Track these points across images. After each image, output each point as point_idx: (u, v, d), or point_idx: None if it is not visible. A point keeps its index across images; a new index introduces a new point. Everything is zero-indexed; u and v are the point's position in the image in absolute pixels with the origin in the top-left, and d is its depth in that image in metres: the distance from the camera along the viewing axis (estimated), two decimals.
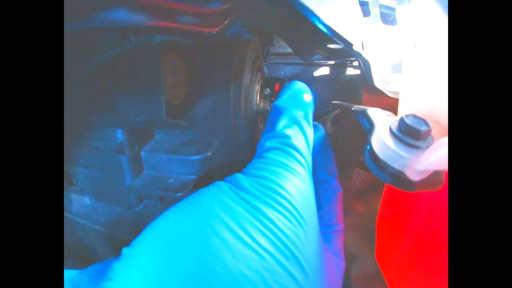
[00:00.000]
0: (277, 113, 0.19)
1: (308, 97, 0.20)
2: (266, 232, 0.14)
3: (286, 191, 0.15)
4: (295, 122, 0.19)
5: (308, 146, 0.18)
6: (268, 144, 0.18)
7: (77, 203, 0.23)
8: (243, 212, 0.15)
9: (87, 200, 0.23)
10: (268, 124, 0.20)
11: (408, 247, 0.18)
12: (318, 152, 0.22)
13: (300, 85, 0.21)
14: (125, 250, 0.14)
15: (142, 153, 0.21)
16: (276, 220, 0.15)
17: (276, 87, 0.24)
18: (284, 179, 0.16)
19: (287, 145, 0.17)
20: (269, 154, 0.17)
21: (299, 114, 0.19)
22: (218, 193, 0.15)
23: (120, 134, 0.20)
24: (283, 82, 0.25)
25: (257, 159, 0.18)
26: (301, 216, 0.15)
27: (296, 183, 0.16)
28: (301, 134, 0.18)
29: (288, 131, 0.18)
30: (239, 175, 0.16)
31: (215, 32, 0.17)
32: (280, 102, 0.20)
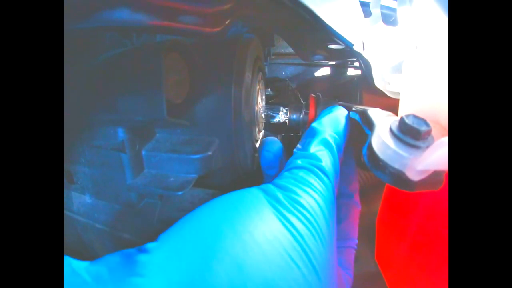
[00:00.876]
0: (313, 134, 0.21)
1: (346, 124, 0.22)
2: (291, 238, 0.15)
3: (310, 206, 0.17)
4: (328, 147, 0.20)
5: (336, 171, 0.20)
6: (299, 162, 0.19)
7: (78, 201, 0.23)
8: (274, 218, 0.15)
9: (87, 199, 0.23)
10: (302, 142, 0.21)
11: (408, 248, 0.18)
12: (343, 163, 0.22)
13: (340, 111, 0.22)
14: (152, 244, 0.14)
15: (143, 152, 0.21)
16: (300, 229, 0.15)
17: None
18: (309, 196, 0.17)
19: (316, 167, 0.19)
20: (299, 172, 0.18)
21: (333, 139, 0.20)
22: (255, 197, 0.17)
23: (121, 133, 0.20)
24: (286, 84, 0.25)
25: (286, 173, 0.19)
26: (321, 230, 0.16)
27: (319, 201, 0.17)
28: (332, 160, 0.20)
29: (320, 154, 0.19)
30: (271, 186, 0.18)
31: (216, 32, 0.17)
32: (318, 124, 0.21)
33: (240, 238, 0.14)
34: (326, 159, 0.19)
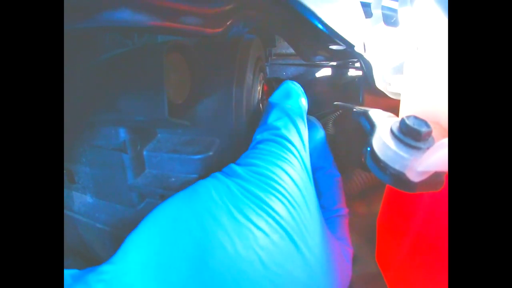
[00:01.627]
0: (269, 108, 0.21)
1: (300, 93, 0.22)
2: (261, 213, 0.15)
3: (278, 177, 0.16)
4: (286, 114, 0.20)
5: (301, 136, 0.19)
6: (259, 137, 0.19)
7: (79, 201, 0.23)
8: (239, 195, 0.15)
9: (88, 198, 0.23)
10: (261, 119, 0.20)
11: (409, 249, 0.18)
12: (311, 137, 0.22)
13: (293, 84, 0.22)
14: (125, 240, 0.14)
15: (144, 152, 0.21)
16: (270, 203, 0.15)
17: (265, 87, 0.25)
18: (275, 166, 0.16)
19: (278, 136, 0.18)
20: (261, 145, 0.18)
21: (290, 107, 0.20)
22: (214, 181, 0.16)
23: (122, 133, 0.20)
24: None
25: (249, 150, 0.18)
26: (295, 201, 0.16)
27: (288, 171, 0.17)
28: (291, 125, 0.19)
29: (278, 123, 0.19)
30: (233, 165, 0.17)
31: (217, 32, 0.17)
32: (272, 98, 0.21)
33: (202, 221, 0.14)
34: (286, 126, 0.19)
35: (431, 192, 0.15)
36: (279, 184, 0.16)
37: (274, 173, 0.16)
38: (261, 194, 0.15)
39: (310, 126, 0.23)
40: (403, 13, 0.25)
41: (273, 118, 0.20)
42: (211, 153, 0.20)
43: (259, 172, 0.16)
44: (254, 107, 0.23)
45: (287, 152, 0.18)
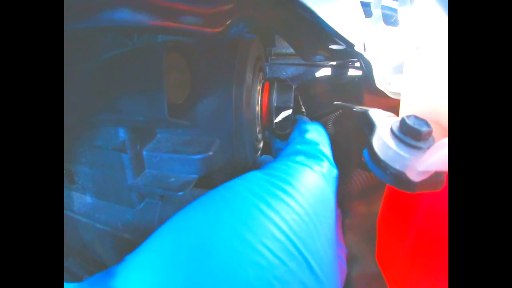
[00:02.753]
0: (305, 131, 0.22)
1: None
2: (277, 234, 0.14)
3: (301, 184, 0.16)
4: (322, 136, 0.21)
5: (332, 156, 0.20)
6: (298, 147, 0.20)
7: (79, 201, 0.23)
8: (258, 215, 0.14)
9: (88, 199, 0.23)
10: (293, 132, 0.22)
11: (409, 248, 0.18)
12: None
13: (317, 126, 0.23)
14: (128, 257, 0.13)
15: (144, 152, 0.21)
16: (287, 218, 0.14)
17: (266, 85, 0.25)
18: (298, 177, 0.16)
19: (316, 151, 0.19)
20: (297, 157, 0.19)
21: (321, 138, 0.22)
22: (232, 197, 0.15)
23: (122, 133, 0.20)
24: (280, 82, 0.25)
25: (284, 159, 0.19)
26: (314, 213, 0.16)
27: (313, 179, 0.17)
28: (325, 140, 0.21)
29: (317, 139, 0.20)
30: (260, 177, 0.17)
31: (217, 32, 0.17)
32: (308, 132, 0.22)
33: (208, 244, 0.13)
34: (324, 142, 0.20)
35: (431, 192, 0.15)
36: (299, 192, 0.16)
37: (297, 180, 0.16)
38: (278, 207, 0.15)
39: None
40: (403, 13, 0.25)
41: (313, 135, 0.21)
42: (211, 153, 0.20)
43: (283, 181, 0.16)
44: (253, 106, 0.23)
45: (321, 163, 0.18)
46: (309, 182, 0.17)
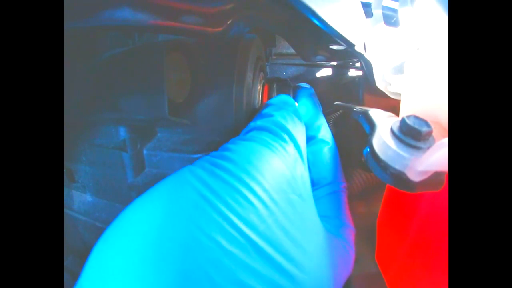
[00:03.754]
0: (265, 106, 0.20)
1: (293, 101, 0.21)
2: (227, 227, 0.13)
3: (257, 170, 0.14)
4: (281, 107, 0.19)
5: (295, 124, 0.18)
6: (252, 124, 0.18)
7: (79, 200, 0.23)
8: (204, 205, 0.13)
9: (88, 197, 0.23)
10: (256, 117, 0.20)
11: (409, 248, 0.18)
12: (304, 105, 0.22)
13: (286, 95, 0.22)
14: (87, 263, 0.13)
15: (144, 151, 0.21)
16: (239, 210, 0.13)
17: (265, 88, 0.25)
18: (257, 156, 0.15)
19: (271, 123, 0.17)
20: (251, 133, 0.17)
21: (285, 106, 0.20)
22: (178, 181, 0.14)
23: (122, 132, 0.20)
24: (279, 83, 0.25)
25: (236, 138, 0.17)
26: (274, 199, 0.14)
27: (272, 161, 0.15)
28: (287, 114, 0.18)
29: (273, 112, 0.18)
30: (207, 158, 0.15)
31: (218, 32, 0.17)
32: (269, 101, 0.21)
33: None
34: (281, 115, 0.18)
35: (431, 192, 0.15)
36: (255, 180, 0.14)
37: (252, 165, 0.14)
38: (230, 200, 0.13)
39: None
40: (403, 13, 0.25)
41: (268, 110, 0.19)
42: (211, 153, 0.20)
43: (234, 166, 0.14)
44: (254, 106, 0.23)
45: (278, 140, 0.16)
46: (259, 159, 0.15)
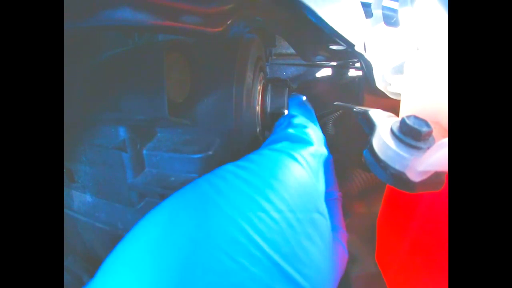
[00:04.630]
0: (292, 116, 0.21)
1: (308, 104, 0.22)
2: (240, 237, 0.12)
3: (278, 180, 0.14)
4: (308, 115, 0.20)
5: (323, 140, 0.19)
6: (279, 130, 0.18)
7: (78, 200, 0.23)
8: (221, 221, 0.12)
9: (88, 198, 0.23)
10: (278, 124, 0.20)
11: (409, 249, 0.18)
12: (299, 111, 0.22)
13: (302, 97, 0.23)
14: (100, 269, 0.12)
15: (144, 151, 0.21)
16: (258, 224, 0.13)
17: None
18: (279, 167, 0.14)
19: (300, 133, 0.18)
20: (275, 144, 0.17)
21: (308, 116, 0.21)
22: (196, 197, 0.14)
23: (122, 132, 0.20)
24: (283, 83, 0.25)
25: (263, 146, 0.18)
26: (292, 209, 0.14)
27: (295, 170, 0.15)
28: (311, 123, 0.19)
29: (302, 121, 0.19)
30: (229, 167, 0.15)
31: (218, 32, 0.17)
32: (293, 111, 0.21)
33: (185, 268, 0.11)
34: (312, 125, 0.19)
35: (431, 192, 0.15)
36: (281, 198, 0.13)
37: (278, 180, 0.14)
38: (255, 219, 0.13)
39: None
40: (403, 13, 0.25)
41: (298, 119, 0.20)
42: (211, 153, 0.20)
43: (259, 180, 0.14)
44: (254, 106, 0.23)
45: (302, 152, 0.16)
46: (286, 174, 0.14)
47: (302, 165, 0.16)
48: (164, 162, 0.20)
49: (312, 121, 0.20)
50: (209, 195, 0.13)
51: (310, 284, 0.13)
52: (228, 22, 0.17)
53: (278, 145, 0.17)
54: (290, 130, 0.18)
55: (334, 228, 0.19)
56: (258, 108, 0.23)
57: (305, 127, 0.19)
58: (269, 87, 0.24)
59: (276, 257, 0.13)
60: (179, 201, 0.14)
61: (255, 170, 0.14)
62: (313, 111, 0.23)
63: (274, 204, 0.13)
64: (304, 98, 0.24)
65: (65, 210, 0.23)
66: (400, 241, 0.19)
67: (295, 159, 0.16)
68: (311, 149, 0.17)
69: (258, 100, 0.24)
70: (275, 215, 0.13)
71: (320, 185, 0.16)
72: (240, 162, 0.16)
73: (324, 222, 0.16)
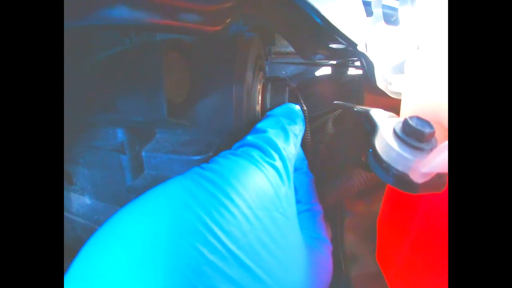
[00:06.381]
0: (265, 117, 0.21)
1: (300, 115, 0.22)
2: (210, 238, 0.13)
3: (240, 184, 0.15)
4: (279, 122, 0.20)
5: (287, 143, 0.19)
6: (247, 138, 0.18)
7: (77, 202, 0.23)
8: (190, 216, 0.14)
9: (87, 200, 0.23)
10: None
11: (410, 248, 0.18)
12: None
13: (294, 105, 0.23)
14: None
15: (143, 153, 0.20)
16: (221, 221, 0.14)
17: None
18: (241, 173, 0.15)
19: (262, 140, 0.18)
20: (241, 149, 0.18)
21: (285, 121, 0.20)
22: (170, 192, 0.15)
23: (120, 134, 0.19)
24: (286, 84, 0.25)
25: (226, 152, 0.18)
26: (256, 214, 0.15)
27: (256, 178, 0.16)
28: (281, 132, 0.19)
29: (267, 128, 0.19)
30: (196, 169, 0.16)
31: (217, 30, 0.16)
32: (271, 112, 0.21)
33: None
34: (275, 132, 0.19)
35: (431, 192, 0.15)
36: (240, 196, 0.15)
37: (239, 181, 0.15)
38: (214, 212, 0.14)
39: None
40: (403, 12, 0.25)
41: (264, 124, 0.20)
42: (211, 154, 0.20)
43: (221, 179, 0.15)
44: (254, 106, 0.23)
45: (267, 159, 0.17)
46: (245, 175, 0.15)
47: (260, 169, 0.16)
48: (163, 164, 0.20)
49: (282, 128, 0.20)
50: (177, 191, 0.15)
51: (271, 279, 0.14)
52: (227, 21, 0.17)
53: (242, 149, 0.18)
54: (252, 137, 0.19)
55: (313, 237, 0.20)
56: (258, 107, 0.23)
57: (266, 132, 0.19)
58: (269, 86, 0.24)
59: (233, 247, 0.14)
60: (153, 193, 0.15)
61: (219, 171, 0.16)
62: (296, 115, 0.22)
63: (232, 200, 0.14)
64: (296, 107, 0.23)
65: (64, 213, 0.23)
66: (401, 240, 0.19)
67: (256, 164, 0.17)
68: (275, 156, 0.18)
69: (258, 99, 0.23)
70: (233, 209, 0.14)
71: (284, 191, 0.17)
72: (206, 164, 0.17)
73: (286, 222, 0.17)
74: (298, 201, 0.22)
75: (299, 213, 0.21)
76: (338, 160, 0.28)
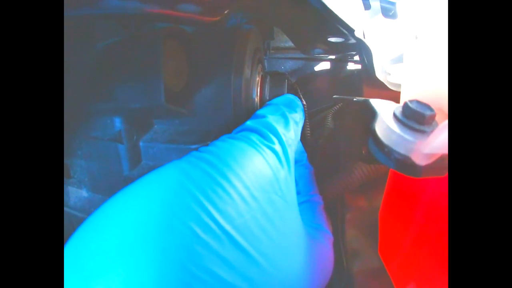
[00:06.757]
0: (265, 106, 0.21)
1: (299, 105, 0.22)
2: (206, 219, 0.13)
3: (239, 166, 0.15)
4: (279, 109, 0.20)
5: (287, 129, 0.18)
6: (246, 123, 0.18)
7: (75, 196, 0.22)
8: (186, 197, 0.13)
9: (84, 193, 0.22)
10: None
11: (412, 241, 0.18)
12: None
13: (294, 96, 0.23)
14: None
15: (141, 143, 0.20)
16: (218, 202, 0.13)
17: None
18: (240, 155, 0.15)
19: (261, 125, 0.17)
20: (240, 133, 0.17)
21: (286, 109, 0.20)
22: (168, 175, 0.14)
23: (118, 123, 0.19)
24: (282, 75, 0.25)
25: (226, 136, 0.17)
26: (254, 196, 0.14)
27: (256, 161, 0.15)
28: (281, 118, 0.19)
29: (267, 113, 0.19)
30: (194, 153, 0.16)
31: (215, 21, 0.16)
32: (271, 101, 0.21)
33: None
34: (275, 118, 0.18)
35: (434, 183, 0.15)
36: (237, 176, 0.14)
37: (236, 161, 0.15)
38: (209, 191, 0.13)
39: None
40: (401, 6, 0.25)
41: (264, 111, 0.19)
42: (208, 143, 0.20)
43: (218, 160, 0.15)
44: (252, 97, 0.23)
45: (266, 142, 0.17)
46: (244, 157, 0.15)
47: (259, 151, 0.16)
48: (161, 154, 0.20)
49: (282, 114, 0.20)
50: (172, 171, 0.15)
51: (268, 262, 0.14)
52: (226, 12, 0.17)
53: (241, 133, 0.18)
54: (251, 122, 0.18)
55: (314, 227, 0.20)
56: (257, 98, 0.23)
57: (266, 117, 0.19)
58: (267, 78, 0.24)
59: (228, 227, 0.13)
60: (149, 176, 0.15)
61: (216, 152, 0.15)
62: (295, 105, 0.22)
63: (229, 179, 0.14)
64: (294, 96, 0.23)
65: None
66: (403, 234, 0.19)
67: (255, 146, 0.16)
68: (274, 140, 0.17)
69: (257, 91, 0.23)
70: (229, 189, 0.14)
71: (283, 174, 0.17)
72: (204, 147, 0.17)
73: (285, 206, 0.16)
74: (298, 193, 0.21)
75: (299, 204, 0.21)
76: (338, 155, 0.28)
